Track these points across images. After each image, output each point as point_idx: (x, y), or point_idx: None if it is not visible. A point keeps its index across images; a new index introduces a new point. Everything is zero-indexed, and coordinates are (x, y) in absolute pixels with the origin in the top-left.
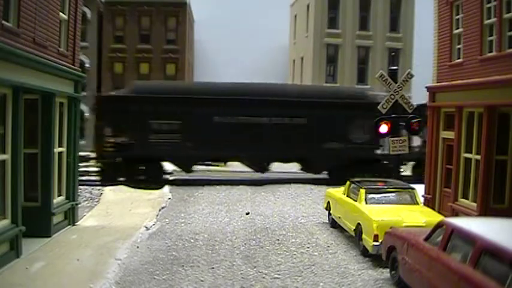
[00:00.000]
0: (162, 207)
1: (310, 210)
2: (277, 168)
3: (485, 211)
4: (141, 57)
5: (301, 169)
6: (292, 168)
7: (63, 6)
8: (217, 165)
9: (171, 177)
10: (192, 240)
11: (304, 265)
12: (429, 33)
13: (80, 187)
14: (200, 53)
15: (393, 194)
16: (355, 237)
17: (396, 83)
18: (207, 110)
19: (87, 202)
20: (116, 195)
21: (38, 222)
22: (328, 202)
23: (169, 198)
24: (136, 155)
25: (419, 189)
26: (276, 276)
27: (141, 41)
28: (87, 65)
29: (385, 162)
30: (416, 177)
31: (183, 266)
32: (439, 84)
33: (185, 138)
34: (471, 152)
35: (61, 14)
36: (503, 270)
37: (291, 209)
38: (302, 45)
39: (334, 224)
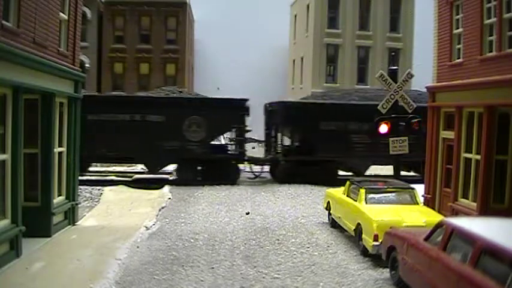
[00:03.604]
0: (162, 207)
1: (310, 210)
2: None
3: (485, 211)
4: (141, 57)
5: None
6: None
7: (63, 6)
8: None
9: None
10: (192, 240)
11: (304, 265)
12: (429, 33)
13: (80, 187)
14: (200, 53)
15: (393, 194)
16: (355, 237)
17: (396, 83)
18: None
19: (87, 202)
20: (116, 195)
21: (38, 222)
22: (328, 202)
23: (169, 198)
24: None
25: (419, 189)
26: (276, 276)
27: (141, 41)
28: (87, 65)
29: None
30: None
31: (183, 265)
32: (439, 84)
33: None
34: (471, 152)
35: (61, 14)
36: (503, 270)
37: (291, 209)
38: (302, 45)
39: (334, 224)
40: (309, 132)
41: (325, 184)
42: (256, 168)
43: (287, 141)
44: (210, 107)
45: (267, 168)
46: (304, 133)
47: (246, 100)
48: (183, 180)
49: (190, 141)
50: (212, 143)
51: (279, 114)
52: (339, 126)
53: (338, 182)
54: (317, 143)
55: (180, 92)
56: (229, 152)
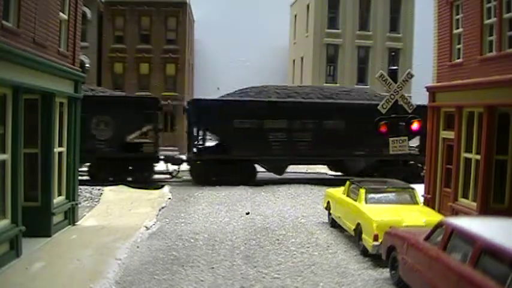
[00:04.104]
0: (162, 207)
1: (310, 210)
2: None
3: (485, 211)
4: (141, 57)
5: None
6: None
7: (63, 6)
8: None
9: None
10: (192, 240)
11: (304, 265)
12: (429, 33)
13: (80, 187)
14: (200, 53)
15: (393, 194)
16: (355, 237)
17: (396, 83)
18: None
19: (87, 202)
20: (116, 195)
21: (38, 222)
22: (328, 202)
23: (169, 198)
24: None
25: (419, 189)
26: (276, 276)
27: (141, 41)
28: (87, 65)
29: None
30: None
31: (183, 265)
32: (439, 84)
33: None
34: (471, 152)
35: (61, 14)
36: (503, 270)
37: (291, 209)
38: (302, 45)
39: (334, 224)
40: (223, 131)
41: (243, 184)
42: (174, 167)
43: (203, 140)
44: (118, 105)
45: (184, 167)
46: (218, 131)
47: (156, 99)
48: (96, 179)
49: (98, 140)
50: (127, 141)
51: (194, 113)
52: (254, 124)
53: (256, 182)
54: (231, 141)
55: (92, 90)
56: (141, 151)
